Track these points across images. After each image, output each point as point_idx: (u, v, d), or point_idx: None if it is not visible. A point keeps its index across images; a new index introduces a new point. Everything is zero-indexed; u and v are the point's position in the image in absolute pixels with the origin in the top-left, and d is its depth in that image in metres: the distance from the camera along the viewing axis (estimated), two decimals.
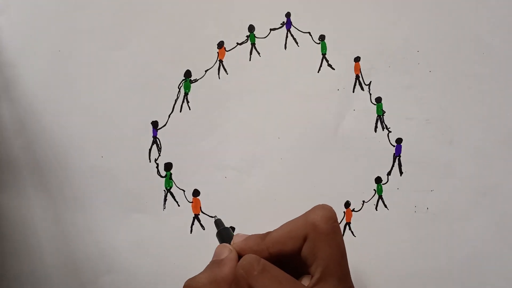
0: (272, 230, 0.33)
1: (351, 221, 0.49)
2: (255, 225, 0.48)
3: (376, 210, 0.49)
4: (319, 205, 0.32)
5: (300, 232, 0.30)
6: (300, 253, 0.31)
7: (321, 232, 0.30)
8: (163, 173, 0.47)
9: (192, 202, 0.47)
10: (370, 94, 0.48)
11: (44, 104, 0.46)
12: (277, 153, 0.48)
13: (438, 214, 0.49)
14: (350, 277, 0.31)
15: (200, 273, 0.32)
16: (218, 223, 0.38)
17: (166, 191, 0.47)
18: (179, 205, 0.47)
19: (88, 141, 0.46)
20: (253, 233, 0.34)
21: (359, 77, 0.48)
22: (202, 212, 0.47)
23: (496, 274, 0.49)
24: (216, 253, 0.33)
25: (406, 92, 0.48)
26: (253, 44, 0.47)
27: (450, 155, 0.49)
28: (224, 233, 0.36)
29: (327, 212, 0.30)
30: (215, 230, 0.47)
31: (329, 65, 0.47)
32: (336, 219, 0.30)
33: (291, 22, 0.47)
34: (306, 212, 0.31)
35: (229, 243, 0.34)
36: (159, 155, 0.47)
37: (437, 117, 0.48)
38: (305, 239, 0.30)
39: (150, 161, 0.47)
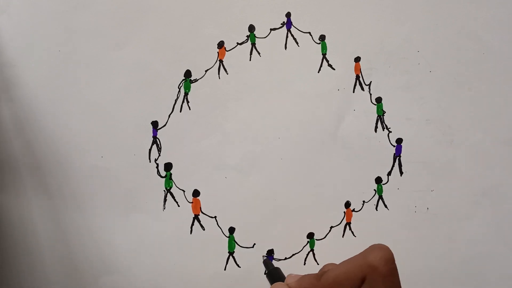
0: (325, 267, 0.32)
1: (351, 221, 0.49)
2: (255, 225, 0.48)
3: (376, 210, 0.49)
4: (377, 245, 0.31)
5: (358, 273, 0.30)
6: None
7: (380, 274, 0.29)
8: (163, 173, 0.47)
9: (192, 202, 0.47)
10: (370, 94, 0.48)
11: (44, 104, 0.46)
12: (277, 153, 0.48)
13: (438, 214, 0.49)
14: None
15: None
16: (267, 263, 0.37)
17: (166, 191, 0.47)
18: (179, 205, 0.47)
19: (88, 141, 0.46)
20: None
21: (359, 77, 0.48)
22: (202, 212, 0.47)
23: (496, 274, 0.49)
24: None
25: (406, 92, 0.48)
26: (253, 44, 0.47)
27: (450, 155, 0.49)
28: (275, 274, 0.36)
29: (386, 253, 0.30)
30: (214, 231, 0.48)
31: (329, 65, 0.47)
32: (394, 260, 0.30)
33: (291, 22, 0.47)
34: (363, 252, 0.31)
35: None
36: (159, 155, 0.47)
37: (437, 117, 0.48)
38: (363, 280, 0.30)
39: (150, 161, 0.47)
